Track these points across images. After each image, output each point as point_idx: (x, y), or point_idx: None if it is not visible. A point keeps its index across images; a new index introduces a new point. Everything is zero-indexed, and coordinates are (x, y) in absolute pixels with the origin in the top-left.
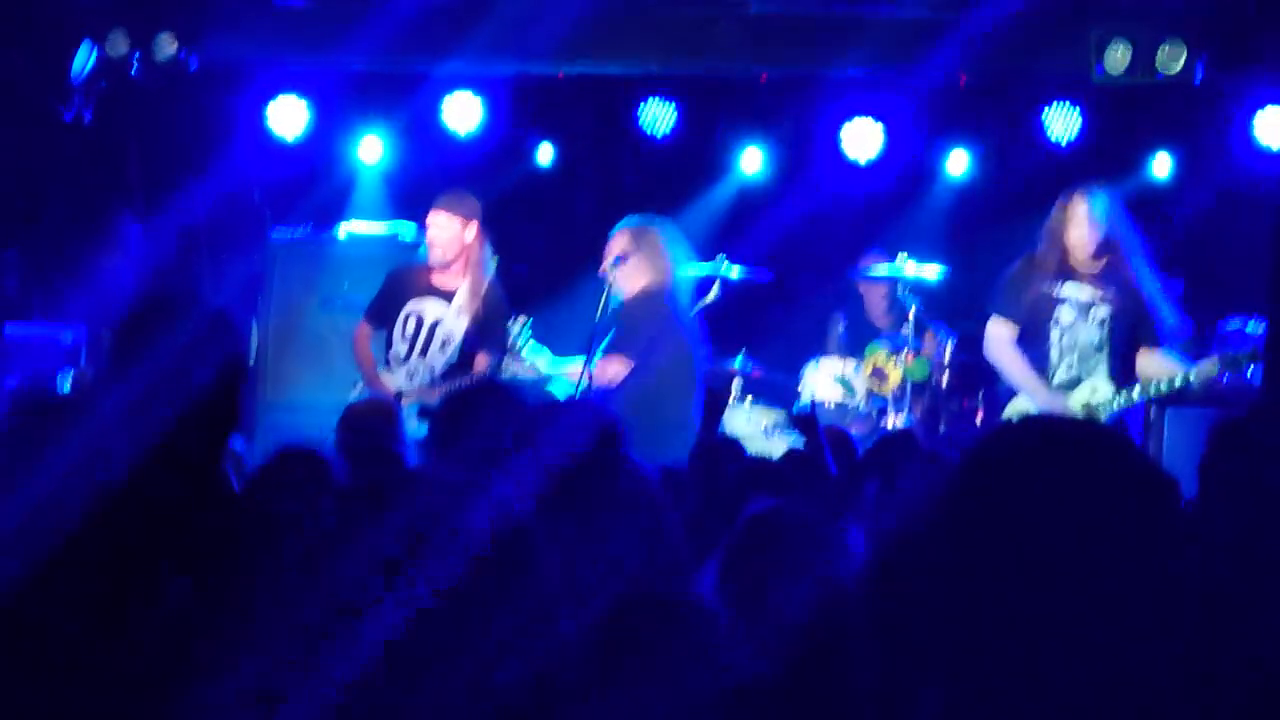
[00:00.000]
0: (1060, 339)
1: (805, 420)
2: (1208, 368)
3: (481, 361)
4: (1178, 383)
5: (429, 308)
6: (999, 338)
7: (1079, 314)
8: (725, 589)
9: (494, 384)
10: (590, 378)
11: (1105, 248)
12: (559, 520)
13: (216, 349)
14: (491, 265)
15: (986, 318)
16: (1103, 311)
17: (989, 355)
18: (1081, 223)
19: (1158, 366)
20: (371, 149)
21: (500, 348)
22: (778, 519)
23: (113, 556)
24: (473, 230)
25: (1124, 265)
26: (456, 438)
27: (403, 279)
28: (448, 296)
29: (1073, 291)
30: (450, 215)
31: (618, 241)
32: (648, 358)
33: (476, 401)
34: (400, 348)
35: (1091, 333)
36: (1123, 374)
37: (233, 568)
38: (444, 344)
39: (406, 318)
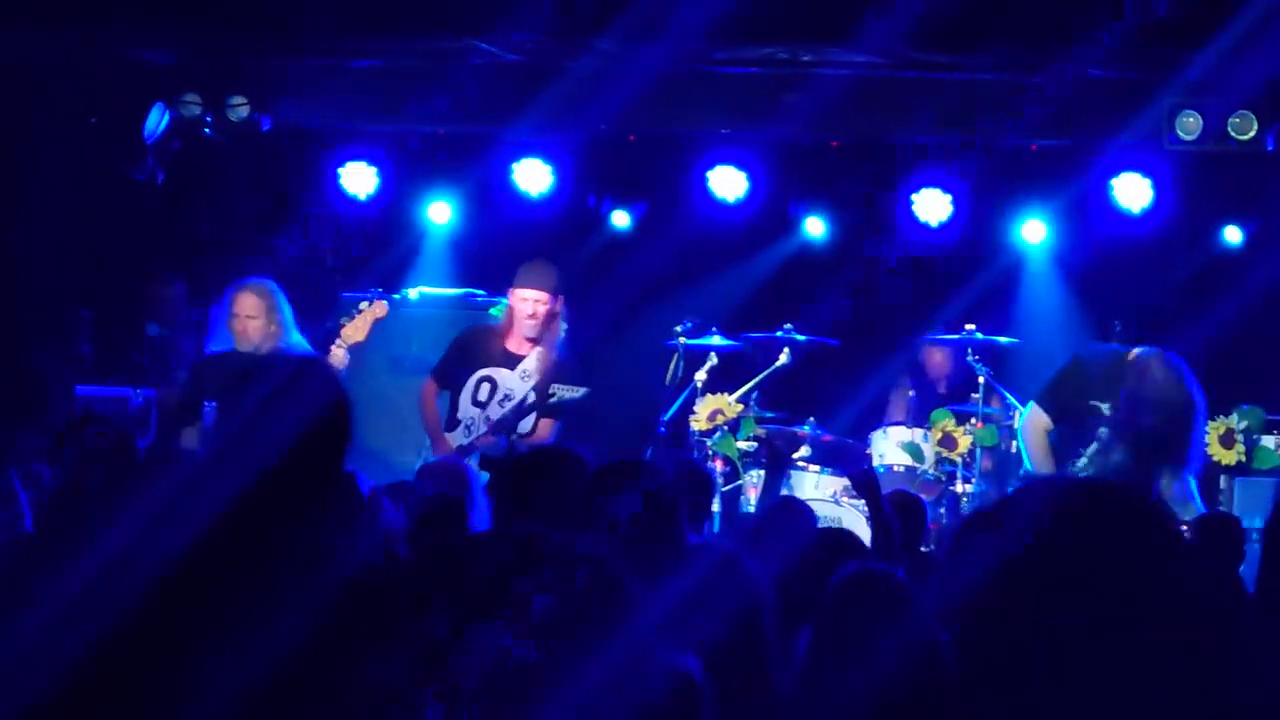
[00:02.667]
0: (1095, 452)
1: (866, 482)
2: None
3: (545, 428)
4: None
5: (502, 375)
6: (1033, 425)
7: (1116, 436)
8: (819, 650)
9: (561, 449)
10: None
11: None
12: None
13: (320, 402)
14: (562, 331)
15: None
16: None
17: (1022, 434)
18: (1145, 390)
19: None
20: (441, 211)
21: (564, 416)
22: (870, 582)
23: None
24: (559, 304)
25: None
26: (525, 496)
27: (475, 343)
28: (516, 363)
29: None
30: (553, 293)
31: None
32: None
33: (545, 463)
34: (469, 411)
35: (1121, 455)
36: None
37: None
38: (504, 399)
39: (479, 383)
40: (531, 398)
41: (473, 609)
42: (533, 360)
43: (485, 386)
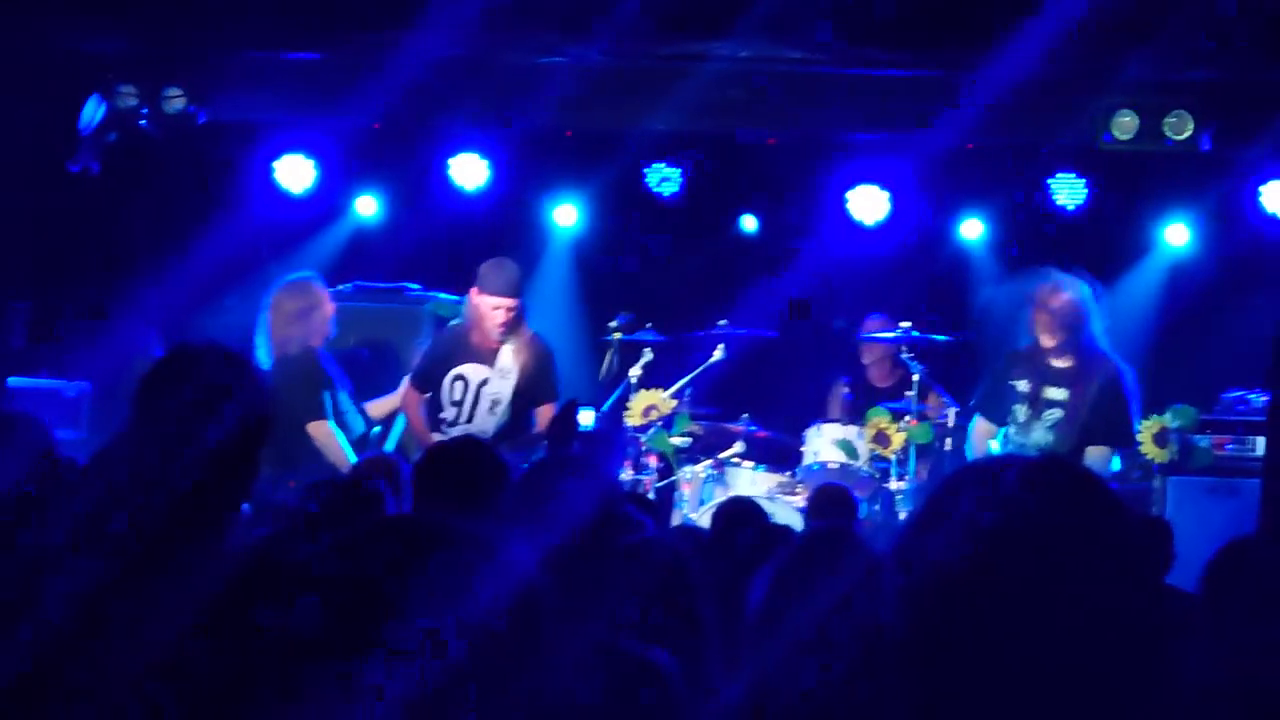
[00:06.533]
0: (1014, 434)
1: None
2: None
3: (545, 413)
4: None
5: (473, 371)
6: (975, 433)
7: (1032, 413)
8: (774, 601)
9: (477, 441)
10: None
11: (1072, 343)
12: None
13: (239, 397)
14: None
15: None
16: (1055, 415)
17: (969, 447)
18: (1049, 309)
19: (1095, 462)
20: (368, 204)
21: (555, 396)
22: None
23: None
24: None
25: (1086, 365)
26: (439, 490)
27: (447, 342)
28: (491, 358)
29: (1032, 388)
30: (517, 299)
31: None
32: None
33: (459, 456)
34: (449, 412)
35: (1040, 434)
36: None
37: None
38: (493, 405)
39: (453, 381)
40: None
41: (361, 604)
42: (508, 355)
43: (459, 385)
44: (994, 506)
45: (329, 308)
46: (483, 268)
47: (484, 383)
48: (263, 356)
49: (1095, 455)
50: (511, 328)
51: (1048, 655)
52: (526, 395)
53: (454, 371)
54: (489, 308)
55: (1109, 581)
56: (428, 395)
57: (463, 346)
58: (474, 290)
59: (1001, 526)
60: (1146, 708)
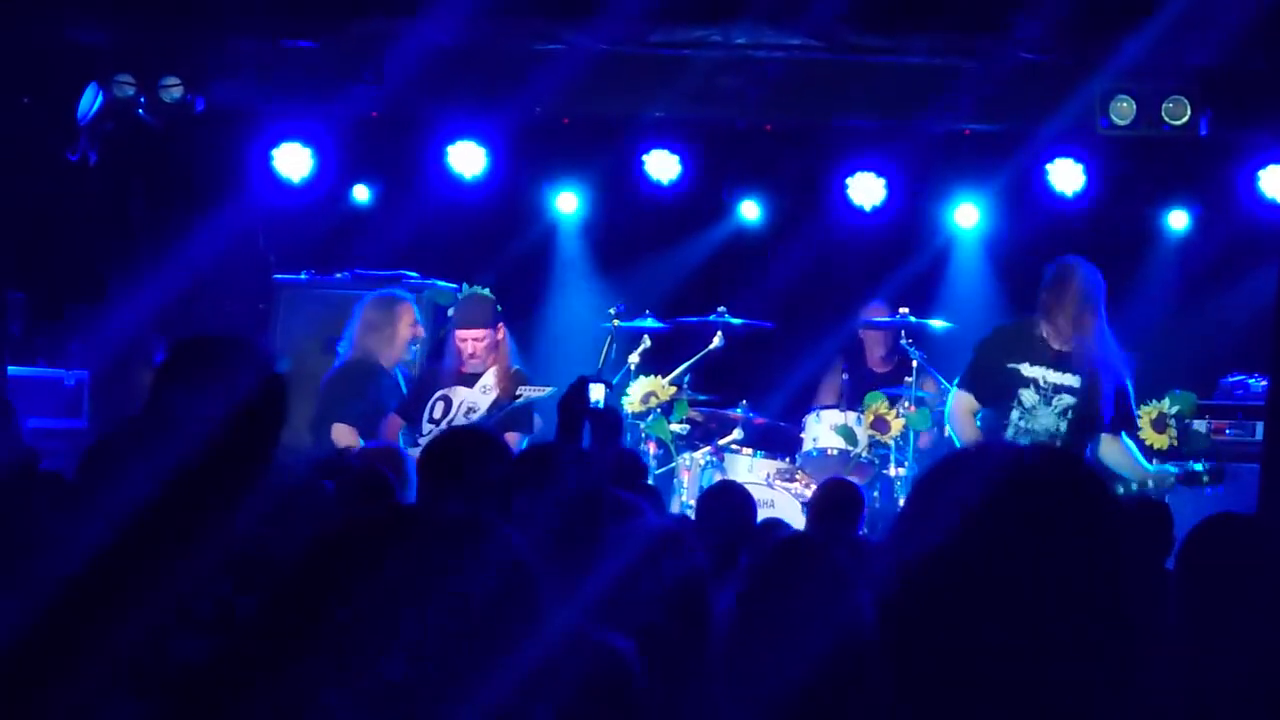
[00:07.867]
0: (1019, 419)
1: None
2: (1165, 478)
3: (511, 439)
4: (1134, 488)
5: (456, 392)
6: (959, 409)
7: (1041, 399)
8: (748, 611)
9: (482, 431)
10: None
11: (1080, 324)
12: (558, 563)
13: (251, 385)
14: (514, 348)
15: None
16: (1066, 400)
17: (949, 420)
18: (1065, 291)
19: (1120, 456)
20: (374, 193)
21: (528, 429)
22: (803, 546)
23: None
24: (501, 330)
25: (1094, 352)
26: (443, 477)
27: (431, 375)
28: (473, 381)
29: (1039, 373)
30: (485, 329)
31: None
32: None
33: (466, 443)
34: (427, 428)
35: (1050, 420)
36: None
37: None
38: (468, 412)
39: (434, 404)
40: (489, 408)
41: (389, 591)
42: (491, 375)
43: (440, 405)
44: (987, 496)
45: (408, 331)
46: (458, 304)
47: (464, 399)
48: (343, 352)
49: (1121, 455)
50: (485, 357)
51: (1034, 645)
52: (500, 418)
53: (439, 394)
54: (458, 341)
55: (1099, 571)
56: (411, 424)
57: (449, 374)
58: (452, 330)
59: (994, 516)
60: (1125, 690)
